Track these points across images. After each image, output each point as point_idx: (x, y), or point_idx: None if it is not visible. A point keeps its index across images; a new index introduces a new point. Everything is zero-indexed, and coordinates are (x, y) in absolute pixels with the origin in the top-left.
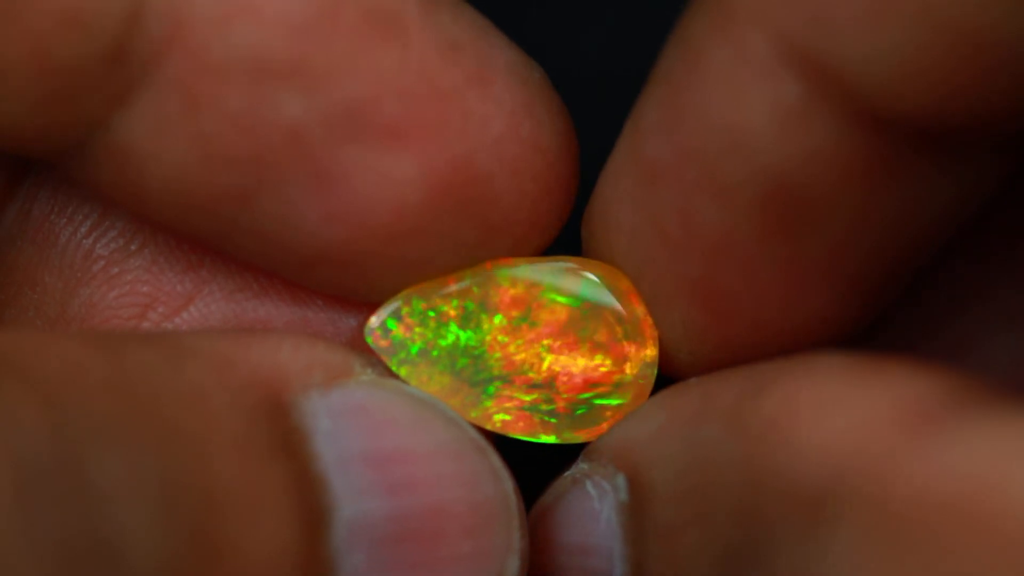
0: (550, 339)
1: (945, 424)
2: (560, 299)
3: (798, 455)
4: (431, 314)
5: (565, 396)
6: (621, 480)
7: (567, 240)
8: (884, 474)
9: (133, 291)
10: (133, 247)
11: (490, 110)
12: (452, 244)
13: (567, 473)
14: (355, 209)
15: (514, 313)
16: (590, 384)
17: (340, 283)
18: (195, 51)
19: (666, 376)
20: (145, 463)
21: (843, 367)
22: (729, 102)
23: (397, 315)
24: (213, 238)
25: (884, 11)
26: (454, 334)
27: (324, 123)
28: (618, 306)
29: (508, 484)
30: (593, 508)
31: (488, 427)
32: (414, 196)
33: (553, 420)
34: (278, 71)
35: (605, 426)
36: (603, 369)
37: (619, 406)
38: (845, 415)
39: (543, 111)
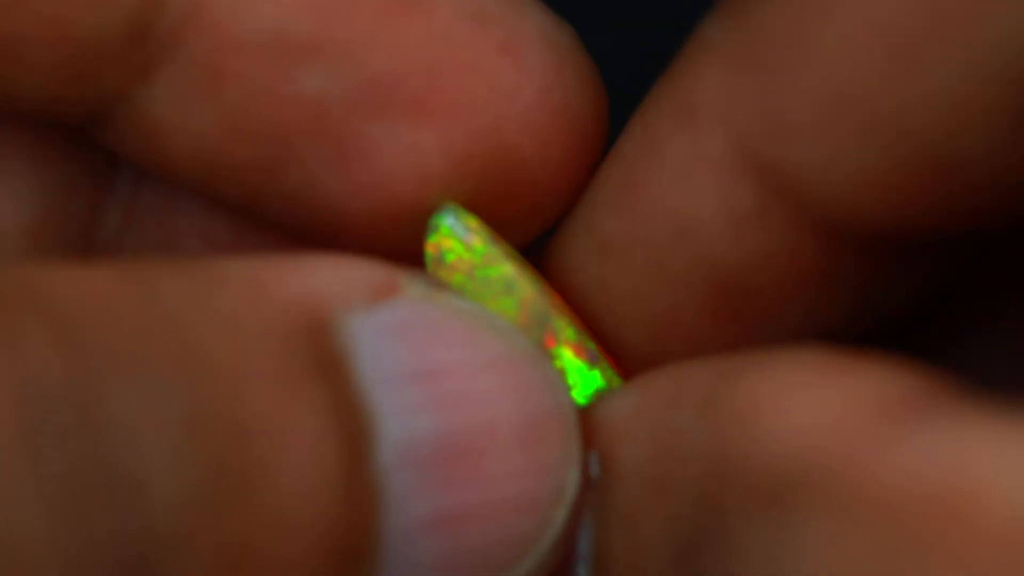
0: None
1: (921, 416)
2: None
3: (770, 441)
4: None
5: None
6: (594, 455)
7: None
8: (854, 464)
9: None
10: (250, 234)
11: (519, 80)
12: (479, 213)
13: None
14: (379, 181)
15: None
16: None
17: (367, 252)
18: (217, 27)
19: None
20: (169, 394)
21: (819, 359)
22: (683, 196)
23: None
24: (240, 204)
25: (841, 121)
26: None
27: (348, 98)
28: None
29: (565, 395)
30: None
31: None
32: (438, 167)
33: None
34: (301, 46)
35: None
36: None
37: None
38: (819, 404)
39: (573, 77)
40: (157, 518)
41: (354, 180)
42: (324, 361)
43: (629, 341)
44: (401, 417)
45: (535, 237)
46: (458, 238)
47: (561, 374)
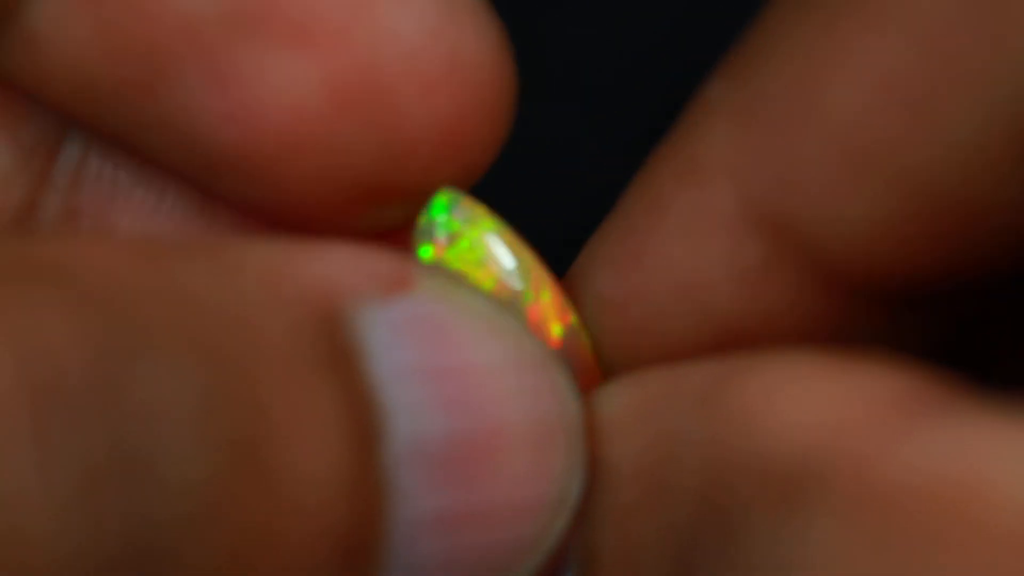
0: None
1: (926, 414)
2: None
3: (771, 441)
4: None
5: None
6: None
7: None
8: (862, 461)
9: None
10: (194, 234)
11: (403, 22)
12: (357, 158)
13: None
14: (252, 109)
15: None
16: None
17: (245, 192)
18: None
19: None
20: (190, 376)
21: (819, 360)
22: (686, 251)
23: None
24: (121, 130)
25: (852, 174)
26: None
27: (222, 18)
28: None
29: (573, 401)
30: None
31: None
32: (313, 101)
33: None
34: None
35: None
36: None
37: None
38: (822, 403)
39: (467, 27)
40: (173, 502)
41: (228, 105)
42: (337, 352)
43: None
44: (412, 414)
45: (420, 202)
46: (453, 217)
47: (571, 380)
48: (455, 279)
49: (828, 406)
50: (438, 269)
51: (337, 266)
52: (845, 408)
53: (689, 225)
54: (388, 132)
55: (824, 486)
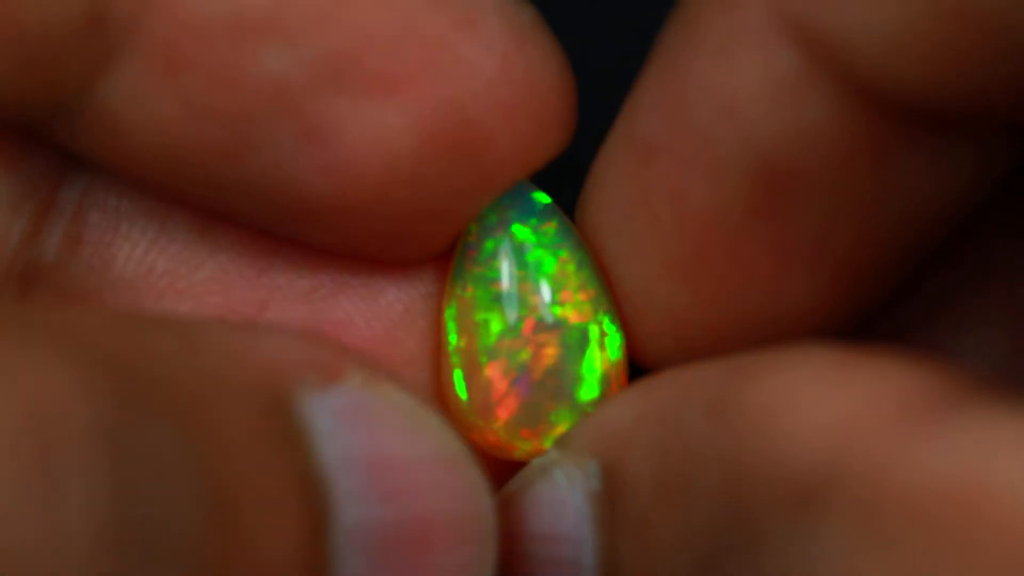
0: None
1: (940, 416)
2: None
3: (787, 445)
4: None
5: None
6: (594, 468)
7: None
8: (878, 465)
9: (204, 303)
10: (197, 260)
11: (480, 54)
12: (446, 191)
13: (534, 462)
14: (346, 160)
15: None
16: None
17: (335, 237)
18: (173, 11)
19: (645, 368)
20: (177, 442)
21: (832, 359)
22: (723, 71)
23: None
24: (204, 199)
25: None
26: None
27: (308, 76)
28: None
29: (489, 499)
30: (562, 497)
31: None
32: (405, 144)
33: None
34: (257, 26)
35: None
36: None
37: None
38: (836, 406)
39: (535, 51)
40: (170, 563)
41: (319, 161)
42: (289, 435)
43: (672, 253)
44: (353, 502)
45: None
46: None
47: (484, 473)
48: (379, 372)
49: (840, 409)
50: (365, 360)
51: (282, 350)
52: (857, 411)
53: (725, 44)
54: (476, 162)
55: (836, 491)
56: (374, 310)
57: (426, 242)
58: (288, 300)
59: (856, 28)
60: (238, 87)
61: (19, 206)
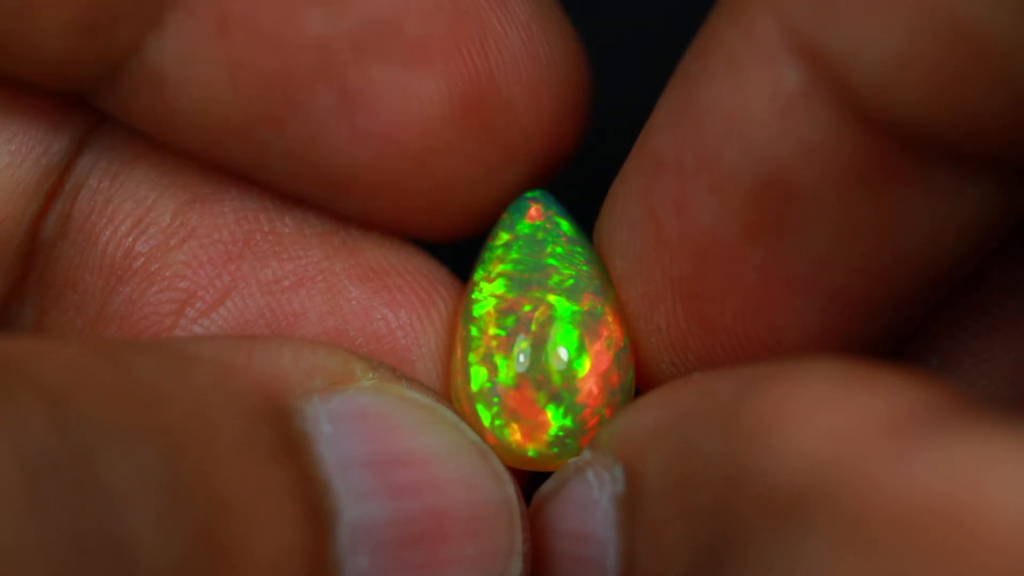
0: None
1: (930, 432)
2: None
3: (777, 458)
4: None
5: None
6: (619, 471)
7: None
8: (865, 477)
9: (171, 287)
10: (173, 243)
11: (508, 28)
12: (476, 165)
13: (571, 460)
14: (383, 128)
15: None
16: None
17: (370, 207)
18: None
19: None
20: (153, 465)
21: (834, 372)
22: (732, 86)
23: None
24: (245, 164)
25: (884, 1)
26: None
27: (349, 41)
28: None
29: (509, 486)
30: (592, 497)
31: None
32: (439, 114)
33: None
34: None
35: None
36: None
37: None
38: (829, 420)
39: (556, 31)
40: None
41: (359, 126)
42: (288, 442)
43: (672, 270)
44: (358, 502)
45: (522, 192)
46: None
47: (505, 466)
48: (393, 372)
49: (833, 422)
50: (379, 364)
51: (284, 359)
52: (849, 424)
53: (735, 59)
54: (504, 135)
55: (828, 504)
56: (329, 306)
57: (453, 219)
58: (250, 289)
59: (857, 46)
60: (283, 49)
61: (37, 190)
